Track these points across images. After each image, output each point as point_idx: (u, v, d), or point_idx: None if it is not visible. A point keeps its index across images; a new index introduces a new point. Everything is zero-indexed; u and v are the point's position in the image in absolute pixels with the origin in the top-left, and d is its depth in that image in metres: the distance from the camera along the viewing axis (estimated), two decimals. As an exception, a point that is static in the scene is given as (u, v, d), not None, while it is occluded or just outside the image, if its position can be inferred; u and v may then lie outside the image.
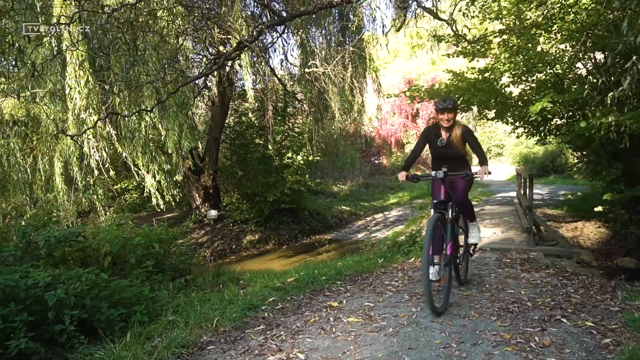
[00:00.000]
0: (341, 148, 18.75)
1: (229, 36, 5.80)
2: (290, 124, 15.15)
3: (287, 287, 4.90)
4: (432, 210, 4.20)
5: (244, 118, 14.99)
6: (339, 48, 12.65)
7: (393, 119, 30.71)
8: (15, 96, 6.33)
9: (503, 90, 10.88)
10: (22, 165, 8.48)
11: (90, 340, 3.31)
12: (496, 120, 12.37)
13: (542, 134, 11.64)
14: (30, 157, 8.72)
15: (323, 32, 12.37)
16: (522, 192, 9.49)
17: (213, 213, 13.68)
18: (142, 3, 4.23)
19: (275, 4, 9.45)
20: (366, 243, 12.63)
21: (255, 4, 7.86)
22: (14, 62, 3.74)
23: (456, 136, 4.39)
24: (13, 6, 3.57)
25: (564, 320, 3.78)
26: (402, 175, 4.43)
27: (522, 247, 7.01)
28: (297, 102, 14.80)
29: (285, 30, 6.78)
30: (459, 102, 11.47)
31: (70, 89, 6.13)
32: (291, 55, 18.69)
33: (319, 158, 15.87)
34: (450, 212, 4.23)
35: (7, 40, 3.63)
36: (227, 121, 15.29)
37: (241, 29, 5.64)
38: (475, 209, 12.18)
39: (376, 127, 29.35)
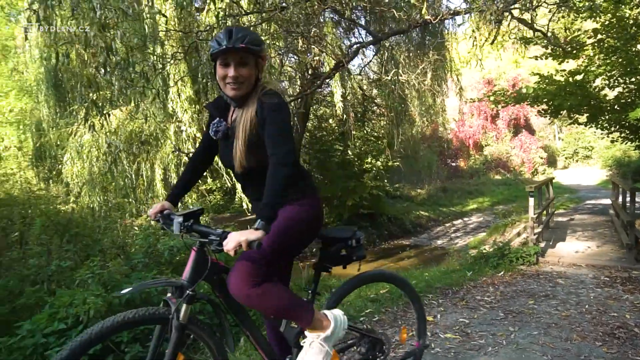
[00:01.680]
0: (421, 153, 18.62)
1: (322, 52, 6.04)
2: (370, 129, 15.29)
3: (381, 299, 5.06)
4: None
5: (324, 124, 15.33)
6: (419, 52, 12.58)
7: (471, 120, 29.90)
8: (144, 120, 7.06)
9: (597, 94, 10.32)
10: (128, 172, 9.34)
11: (211, 343, 3.66)
12: (589, 125, 11.75)
13: (643, 140, 10.92)
14: (134, 164, 9.57)
15: (403, 37, 12.34)
16: (619, 203, 8.96)
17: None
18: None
19: (355, 12, 9.59)
20: (449, 251, 12.50)
21: (349, 24, 8.07)
22: (142, 89, 4.25)
23: (246, 120, 1.95)
24: (145, 43, 4.11)
25: (678, 350, 3.62)
26: (151, 211, 2.16)
27: (622, 264, 6.66)
28: (375, 106, 14.90)
29: (380, 49, 6.90)
30: (547, 107, 11.01)
31: (183, 110, 6.73)
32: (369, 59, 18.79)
33: (398, 163, 15.89)
34: (182, 310, 1.83)
35: (138, 71, 4.14)
36: (306, 126, 15.71)
37: (334, 47, 5.86)
38: (564, 219, 11.83)
39: (454, 129, 28.69)
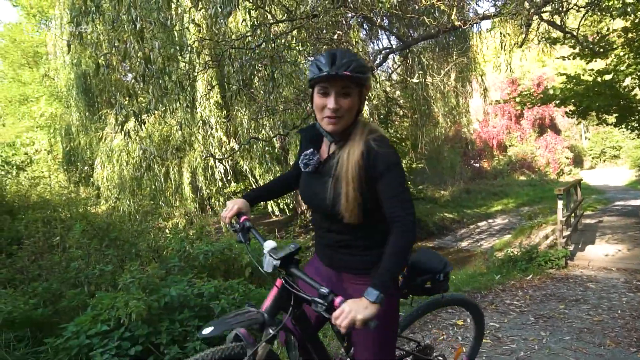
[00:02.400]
0: (445, 154, 18.51)
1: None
2: (393, 131, 15.27)
3: (409, 302, 5.07)
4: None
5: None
6: (443, 53, 12.52)
7: (495, 120, 29.56)
8: (179, 126, 7.28)
9: (627, 94, 10.11)
10: (158, 176, 9.56)
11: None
12: (619, 127, 11.52)
13: (675, 141, 10.65)
14: (163, 167, 9.79)
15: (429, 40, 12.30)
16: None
17: (318, 218, 14.17)
18: (281, 38, 4.69)
19: (384, 18, 9.62)
20: (474, 253, 12.41)
21: (377, 30, 8.12)
22: (177, 97, 4.41)
23: (347, 158, 1.74)
24: (181, 52, 4.26)
25: None
26: (227, 213, 1.98)
27: (654, 268, 6.55)
28: (398, 108, 14.88)
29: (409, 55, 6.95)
30: (575, 108, 10.81)
31: (211, 115, 6.92)
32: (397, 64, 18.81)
33: (422, 165, 15.83)
34: (260, 351, 1.68)
35: (173, 80, 4.28)
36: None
37: (362, 53, 5.95)
38: (592, 221, 11.62)
39: (477, 129, 28.38)
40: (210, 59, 4.60)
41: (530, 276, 6.47)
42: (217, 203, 10.26)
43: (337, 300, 1.55)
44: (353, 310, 1.49)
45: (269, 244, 1.77)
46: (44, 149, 16.69)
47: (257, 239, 1.90)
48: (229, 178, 9.54)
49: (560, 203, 7.39)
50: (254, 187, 11.18)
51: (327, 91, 1.70)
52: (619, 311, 4.83)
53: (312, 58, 5.48)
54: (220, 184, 9.45)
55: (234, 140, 8.51)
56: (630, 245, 8.15)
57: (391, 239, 1.67)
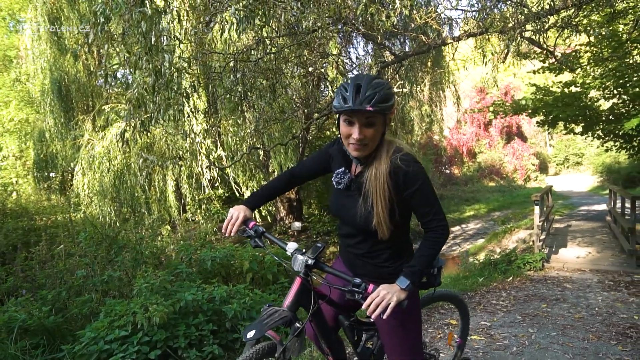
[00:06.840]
0: (423, 163, 19.00)
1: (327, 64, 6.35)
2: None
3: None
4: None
5: (328, 132, 15.59)
6: (418, 63, 12.92)
7: (465, 127, 30.40)
8: (184, 137, 7.32)
9: (594, 105, 10.70)
10: (142, 184, 9.52)
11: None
12: (586, 136, 12.14)
13: (637, 148, 11.27)
14: (147, 175, 9.75)
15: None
16: (617, 210, 9.35)
17: (297, 225, 14.35)
18: (283, 51, 4.88)
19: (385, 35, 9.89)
20: (449, 257, 12.80)
21: (373, 44, 8.39)
22: (181, 108, 4.52)
23: (375, 178, 1.85)
24: (190, 64, 4.41)
25: (688, 348, 3.93)
26: (234, 221, 2.00)
27: (623, 269, 7.00)
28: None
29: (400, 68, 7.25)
30: (545, 117, 11.35)
31: (198, 123, 7.04)
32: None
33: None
34: (291, 347, 1.79)
35: (179, 91, 4.40)
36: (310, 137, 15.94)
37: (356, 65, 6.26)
38: (561, 225, 12.19)
39: (447, 136, 29.14)
40: (215, 71, 4.75)
41: (511, 278, 6.81)
42: (198, 211, 10.32)
43: (371, 287, 1.73)
44: (390, 292, 1.68)
45: (292, 245, 1.92)
46: (12, 154, 16.21)
47: (274, 242, 2.01)
48: (216, 185, 9.63)
49: (537, 208, 7.79)
50: (237, 194, 11.27)
51: (352, 121, 1.79)
52: (596, 308, 5.19)
53: (309, 70, 5.72)
54: (208, 190, 9.54)
55: (221, 149, 8.62)
56: (599, 247, 8.65)
57: (425, 242, 1.88)
